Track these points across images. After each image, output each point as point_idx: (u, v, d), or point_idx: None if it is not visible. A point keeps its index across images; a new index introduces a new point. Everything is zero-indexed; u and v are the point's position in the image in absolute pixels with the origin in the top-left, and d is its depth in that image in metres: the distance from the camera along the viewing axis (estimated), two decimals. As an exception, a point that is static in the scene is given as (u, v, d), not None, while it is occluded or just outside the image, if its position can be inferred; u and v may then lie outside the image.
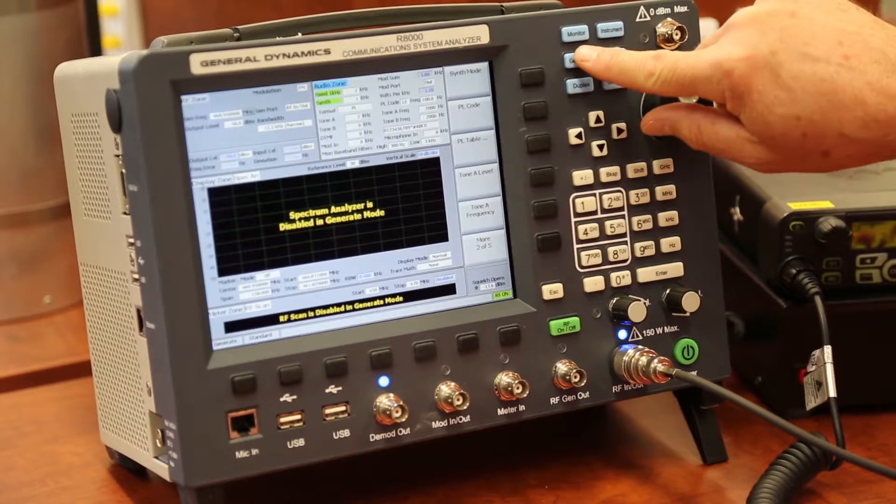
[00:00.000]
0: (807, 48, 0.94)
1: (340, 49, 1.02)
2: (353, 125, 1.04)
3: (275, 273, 1.02)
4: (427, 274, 1.06)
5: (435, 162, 1.06)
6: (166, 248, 0.98)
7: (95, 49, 1.58)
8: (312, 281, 1.03)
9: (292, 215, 1.02)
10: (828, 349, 1.10)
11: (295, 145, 1.03)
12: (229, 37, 1.03)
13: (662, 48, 1.09)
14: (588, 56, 1.04)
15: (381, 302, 1.05)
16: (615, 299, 1.08)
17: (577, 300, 1.08)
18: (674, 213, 1.10)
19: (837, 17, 0.96)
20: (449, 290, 1.07)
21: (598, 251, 1.08)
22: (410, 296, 1.06)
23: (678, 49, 1.09)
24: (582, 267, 1.08)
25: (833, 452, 1.05)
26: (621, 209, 1.09)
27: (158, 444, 1.02)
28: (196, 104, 1.00)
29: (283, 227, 1.02)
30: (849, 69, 0.93)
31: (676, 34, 1.09)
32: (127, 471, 1.14)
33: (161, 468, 1.02)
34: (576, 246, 1.08)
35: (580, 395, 1.08)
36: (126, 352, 1.05)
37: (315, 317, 1.04)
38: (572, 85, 1.07)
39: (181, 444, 0.98)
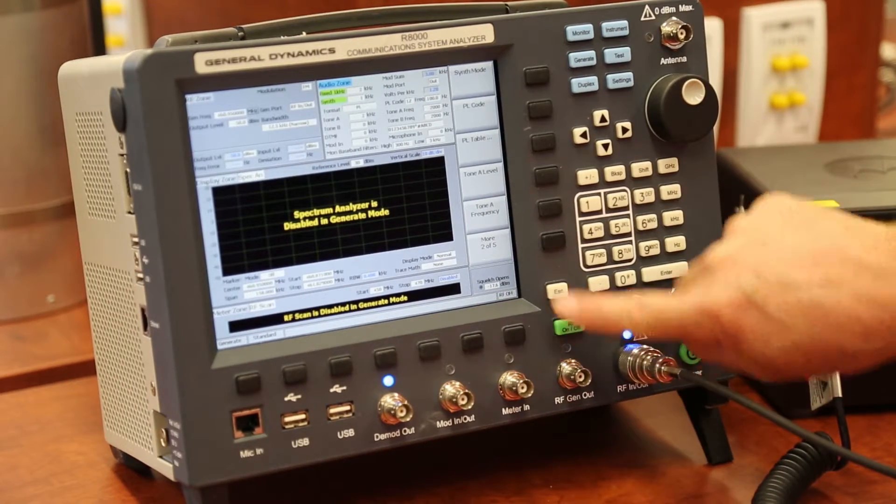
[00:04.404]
0: (784, 276, 0.92)
1: (345, 48, 1.02)
2: (357, 124, 1.04)
3: (279, 272, 1.02)
4: (431, 273, 1.06)
5: (439, 161, 1.06)
6: (171, 247, 0.98)
7: (99, 48, 1.57)
8: (317, 280, 1.03)
9: (297, 214, 1.02)
10: (833, 349, 1.10)
11: (299, 144, 1.02)
12: (234, 36, 1.03)
13: (667, 47, 1.09)
14: (570, 309, 1.02)
15: (386, 301, 1.05)
16: (620, 299, 1.08)
17: (581, 300, 1.07)
18: (679, 213, 1.10)
19: (808, 235, 0.94)
20: (453, 289, 1.07)
21: (603, 250, 1.08)
22: (415, 295, 1.06)
23: (682, 48, 1.09)
24: (587, 266, 1.08)
25: (838, 452, 1.05)
26: (626, 208, 1.09)
27: (163, 444, 1.02)
28: (200, 103, 1.00)
29: (288, 226, 1.02)
30: (833, 288, 0.91)
31: (681, 33, 1.09)
32: (131, 470, 1.14)
33: (165, 467, 1.02)
34: (580, 245, 1.08)
35: (585, 395, 1.08)
36: (130, 351, 1.05)
37: (319, 316, 1.03)
38: (577, 84, 1.07)
39: (185, 443, 0.98)
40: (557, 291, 1.07)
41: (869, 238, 0.93)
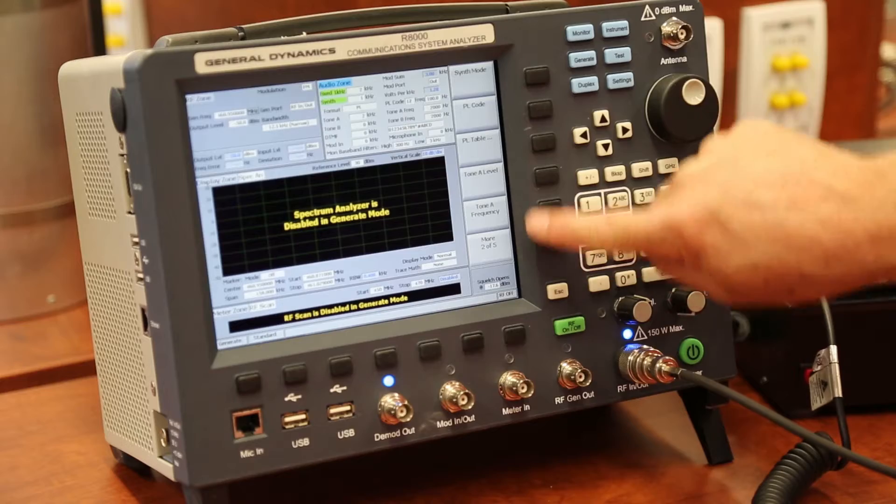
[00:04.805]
0: (751, 196, 0.92)
1: (345, 48, 1.02)
2: (357, 124, 1.04)
3: (279, 272, 1.02)
4: (432, 273, 1.06)
5: (440, 161, 1.06)
6: (171, 247, 0.98)
7: (99, 48, 1.57)
8: (317, 280, 1.03)
9: (297, 215, 1.02)
10: (833, 349, 1.10)
11: (299, 145, 1.02)
12: (234, 36, 1.03)
13: (667, 47, 1.09)
14: (539, 227, 1.04)
15: (386, 301, 1.05)
16: (620, 299, 1.08)
17: (582, 300, 1.08)
18: (679, 213, 1.10)
19: (779, 158, 0.94)
20: (454, 289, 1.07)
21: (603, 250, 1.08)
22: (415, 295, 1.06)
23: (682, 48, 1.09)
24: (587, 266, 1.08)
25: (838, 452, 1.05)
26: (626, 208, 1.09)
27: (163, 444, 1.02)
28: (201, 103, 1.00)
29: (288, 226, 1.02)
30: (797, 209, 0.91)
31: (682, 33, 1.09)
32: (131, 470, 1.14)
33: (165, 468, 1.02)
34: (581, 245, 1.08)
35: (585, 395, 1.08)
36: (130, 351, 1.05)
37: (320, 316, 1.03)
38: (577, 84, 1.07)
39: (186, 443, 0.98)
40: (558, 292, 1.07)
41: (840, 165, 0.92)
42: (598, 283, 1.08)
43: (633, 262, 1.09)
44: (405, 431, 1.03)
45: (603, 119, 1.08)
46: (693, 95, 1.08)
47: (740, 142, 0.97)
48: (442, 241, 1.06)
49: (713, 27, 1.53)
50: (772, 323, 1.20)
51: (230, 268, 1.01)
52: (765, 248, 0.91)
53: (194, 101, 0.99)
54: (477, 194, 1.07)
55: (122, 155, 1.01)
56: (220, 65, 0.99)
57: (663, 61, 1.09)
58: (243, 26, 1.04)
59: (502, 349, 1.05)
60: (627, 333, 1.09)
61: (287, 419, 1.00)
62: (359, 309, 1.04)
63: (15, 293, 1.49)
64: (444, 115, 1.06)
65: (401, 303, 1.05)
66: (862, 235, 0.89)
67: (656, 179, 1.09)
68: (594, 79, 1.07)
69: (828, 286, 0.92)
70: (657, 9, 1.09)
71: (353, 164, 1.04)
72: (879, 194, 0.89)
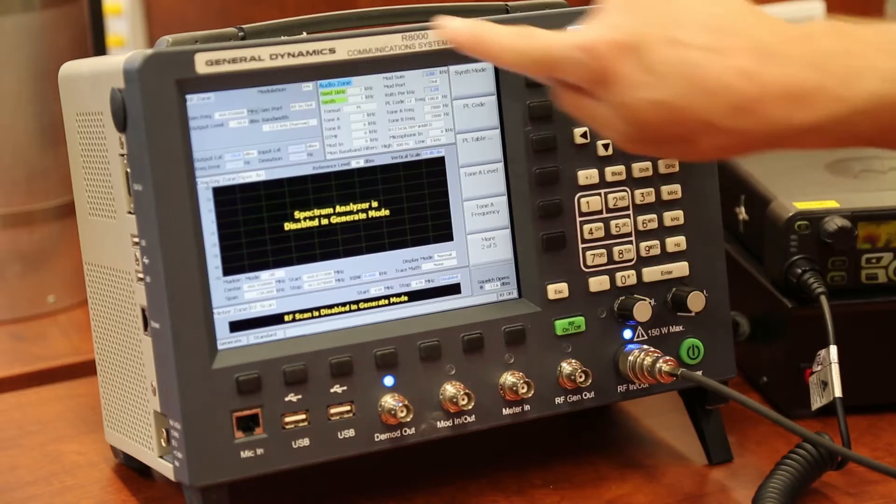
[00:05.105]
0: (675, 32, 0.90)
1: (345, 48, 1.02)
2: (357, 124, 1.04)
3: (280, 272, 1.02)
4: (432, 273, 1.06)
5: (440, 161, 1.06)
6: (171, 247, 0.98)
7: (100, 48, 1.57)
8: (317, 280, 1.03)
9: (297, 215, 1.02)
10: (833, 349, 1.10)
11: (300, 145, 1.02)
12: (234, 36, 1.03)
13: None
14: (453, 31, 0.96)
15: (386, 301, 1.05)
16: (620, 299, 1.08)
17: (582, 300, 1.08)
18: (679, 213, 1.10)
19: (715, 5, 0.91)
20: (454, 289, 1.07)
21: (604, 251, 1.08)
22: (415, 295, 1.06)
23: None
24: (587, 266, 1.08)
25: (839, 452, 1.05)
26: (626, 209, 1.09)
27: (163, 444, 1.02)
28: (201, 103, 1.00)
29: (288, 226, 1.02)
30: (718, 54, 0.88)
31: (682, 33, 1.08)
32: (131, 470, 1.14)
33: (166, 468, 1.02)
34: (581, 245, 1.08)
35: (585, 395, 1.08)
36: (131, 351, 1.05)
37: (320, 316, 1.03)
38: (577, 84, 1.07)
39: (186, 443, 0.98)
40: (558, 292, 1.07)
41: (771, 22, 0.90)
42: (598, 283, 1.08)
43: (634, 262, 1.09)
44: (405, 431, 1.03)
45: (603, 119, 1.08)
46: (693, 95, 1.08)
47: None
48: (442, 241, 1.06)
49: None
50: (772, 323, 1.20)
51: (230, 268, 1.01)
52: (677, 85, 0.89)
53: (194, 101, 0.99)
54: (477, 194, 1.07)
55: (123, 155, 1.01)
56: (220, 65, 0.99)
57: (663, 61, 1.09)
58: (243, 26, 1.04)
59: (502, 349, 1.05)
60: (627, 333, 1.09)
61: (287, 419, 1.00)
62: (359, 309, 1.04)
63: (15, 293, 1.49)
64: (444, 115, 1.06)
65: (401, 303, 1.05)
66: (776, 91, 0.87)
67: (656, 179, 1.09)
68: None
69: (731, 141, 0.89)
70: (657, 9, 1.09)
71: (354, 164, 1.04)
72: (801, 53, 0.87)
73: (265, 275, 1.02)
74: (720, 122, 0.88)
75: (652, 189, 1.09)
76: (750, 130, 0.88)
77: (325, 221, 1.03)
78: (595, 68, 0.91)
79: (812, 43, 0.88)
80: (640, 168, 1.09)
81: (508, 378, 1.05)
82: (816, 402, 1.12)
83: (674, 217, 1.10)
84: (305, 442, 1.01)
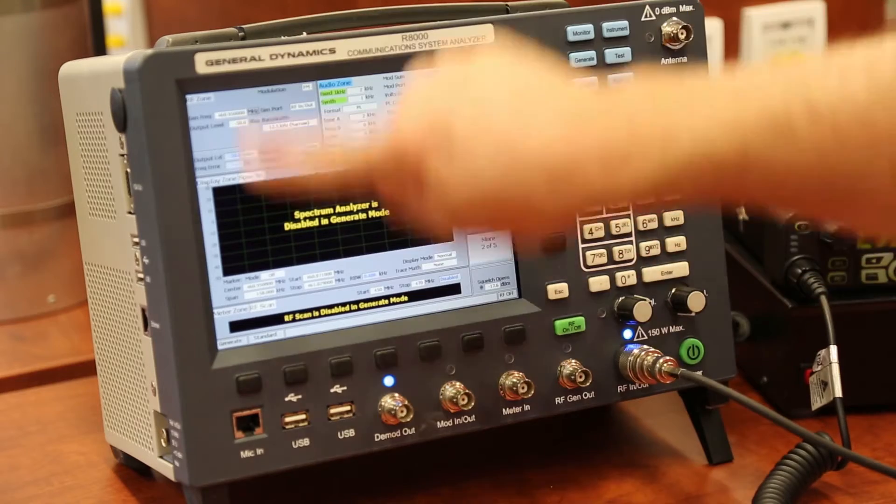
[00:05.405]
0: (481, 107, 0.83)
1: (345, 48, 1.02)
2: (358, 125, 1.04)
3: (280, 273, 1.02)
4: (432, 273, 1.06)
5: (440, 161, 1.06)
6: (171, 247, 0.98)
7: (100, 48, 1.57)
8: (317, 280, 1.03)
9: (297, 215, 1.02)
10: (833, 349, 1.10)
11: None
12: (234, 36, 1.03)
13: (668, 47, 1.09)
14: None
15: (386, 301, 1.05)
16: (620, 299, 1.08)
17: (582, 300, 1.08)
18: (679, 213, 1.10)
19: (515, 75, 0.86)
20: (454, 289, 1.07)
21: (604, 251, 1.08)
22: (415, 295, 1.06)
23: (682, 49, 1.09)
24: (587, 266, 1.08)
25: (839, 452, 1.05)
26: (626, 208, 1.09)
27: (163, 444, 1.02)
28: (201, 103, 1.00)
29: (288, 226, 1.02)
30: (524, 127, 0.82)
31: (682, 33, 1.09)
32: (131, 470, 1.14)
33: (166, 468, 1.02)
34: (581, 245, 1.08)
35: (585, 395, 1.08)
36: (131, 351, 1.05)
37: (320, 316, 1.03)
38: (577, 84, 1.07)
39: (186, 443, 0.98)
40: (558, 292, 1.07)
41: (578, 86, 0.86)
42: (598, 283, 1.08)
43: (634, 262, 1.09)
44: (405, 431, 1.03)
45: (603, 119, 1.08)
46: (693, 95, 1.08)
47: (477, 57, 0.88)
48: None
49: (713, 27, 1.53)
50: (772, 323, 1.20)
51: (230, 268, 1.01)
52: (489, 161, 0.82)
53: (194, 101, 0.99)
54: (477, 194, 1.07)
55: (123, 155, 1.01)
56: (220, 65, 0.99)
57: (664, 61, 1.09)
58: (243, 26, 1.04)
59: (502, 349, 1.05)
60: (627, 333, 1.09)
61: (287, 419, 1.00)
62: (359, 309, 1.04)
63: (15, 293, 1.48)
64: (444, 116, 1.06)
65: (401, 303, 1.05)
66: (593, 154, 0.81)
67: (656, 179, 1.09)
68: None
69: (553, 214, 0.84)
70: (657, 9, 1.09)
71: (354, 164, 1.04)
72: (616, 115, 0.83)
73: (265, 275, 1.02)
74: (538, 200, 0.83)
75: (652, 189, 1.09)
76: (568, 204, 0.83)
77: (325, 221, 1.03)
78: (407, 163, 0.85)
79: (625, 105, 0.83)
80: (640, 168, 1.09)
81: (508, 378, 1.05)
82: (816, 402, 1.12)
83: (674, 217, 1.10)
84: (305, 442, 1.01)
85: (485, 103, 0.84)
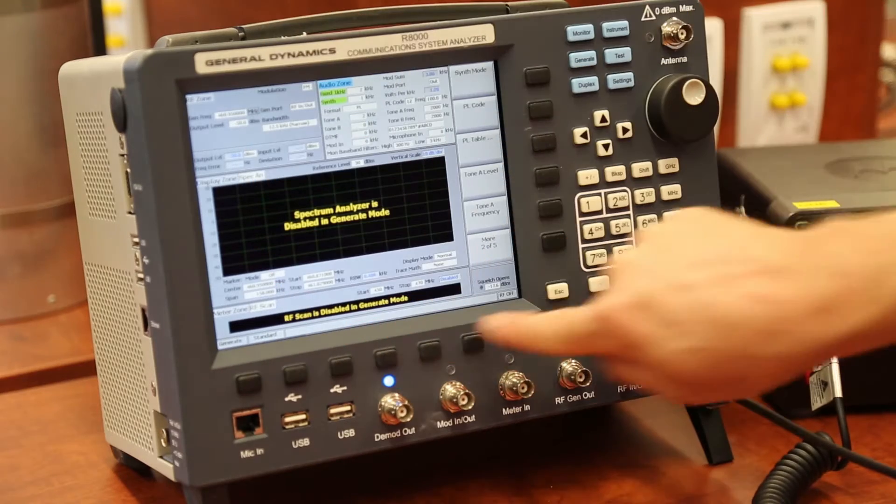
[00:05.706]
0: (680, 278, 0.88)
1: (345, 48, 1.02)
2: (357, 125, 1.04)
3: (280, 273, 1.02)
4: (432, 273, 1.06)
5: (440, 161, 1.06)
6: (171, 247, 0.98)
7: (100, 48, 1.57)
8: (317, 280, 1.03)
9: (297, 215, 1.02)
10: (834, 349, 1.10)
11: (300, 145, 1.02)
12: (234, 36, 1.03)
13: (668, 47, 1.09)
14: (490, 329, 1.00)
15: (386, 301, 1.05)
16: (620, 299, 1.08)
17: (582, 300, 1.07)
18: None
19: (711, 239, 0.90)
20: (454, 289, 1.07)
21: (604, 251, 1.08)
22: (415, 295, 1.06)
23: (682, 49, 1.09)
24: (587, 266, 1.08)
25: (839, 452, 1.05)
26: (626, 209, 1.09)
27: (163, 444, 1.02)
28: (201, 103, 1.00)
29: (288, 226, 1.02)
30: (727, 287, 0.86)
31: (682, 33, 1.09)
32: (131, 470, 1.14)
33: (166, 468, 1.02)
34: (581, 245, 1.08)
35: (585, 395, 1.08)
36: (131, 351, 1.05)
37: (320, 316, 1.03)
38: (578, 84, 1.07)
39: (186, 443, 0.98)
40: (558, 292, 1.07)
41: (772, 239, 0.89)
42: (598, 283, 1.08)
43: (634, 262, 1.09)
44: (405, 431, 1.03)
45: (603, 119, 1.08)
46: (693, 95, 1.08)
47: (673, 227, 0.94)
48: (442, 241, 1.06)
49: (713, 27, 1.53)
50: (772, 323, 1.20)
51: (230, 268, 1.01)
52: (698, 329, 0.87)
53: (194, 101, 0.99)
54: (477, 194, 1.07)
55: (123, 155, 1.01)
56: (220, 65, 0.99)
57: (663, 61, 1.09)
58: (243, 26, 1.04)
59: (503, 349, 1.05)
60: (627, 334, 1.09)
61: (287, 419, 1.00)
62: (359, 309, 1.04)
63: (15, 293, 1.48)
64: (444, 116, 1.06)
65: (401, 303, 1.05)
66: (801, 307, 0.85)
67: (656, 179, 1.09)
68: (594, 79, 1.07)
69: (777, 367, 0.87)
70: (657, 9, 1.09)
71: (354, 164, 1.04)
72: (814, 262, 0.85)
73: (265, 275, 1.02)
74: (756, 352, 0.86)
75: (652, 189, 1.09)
76: (788, 353, 0.86)
77: (325, 221, 1.03)
78: (618, 335, 0.90)
79: (821, 248, 0.86)
80: (641, 168, 1.09)
81: (508, 378, 1.05)
82: (816, 402, 1.12)
83: (674, 217, 1.10)
84: (305, 442, 1.01)
85: (683, 264, 0.89)
